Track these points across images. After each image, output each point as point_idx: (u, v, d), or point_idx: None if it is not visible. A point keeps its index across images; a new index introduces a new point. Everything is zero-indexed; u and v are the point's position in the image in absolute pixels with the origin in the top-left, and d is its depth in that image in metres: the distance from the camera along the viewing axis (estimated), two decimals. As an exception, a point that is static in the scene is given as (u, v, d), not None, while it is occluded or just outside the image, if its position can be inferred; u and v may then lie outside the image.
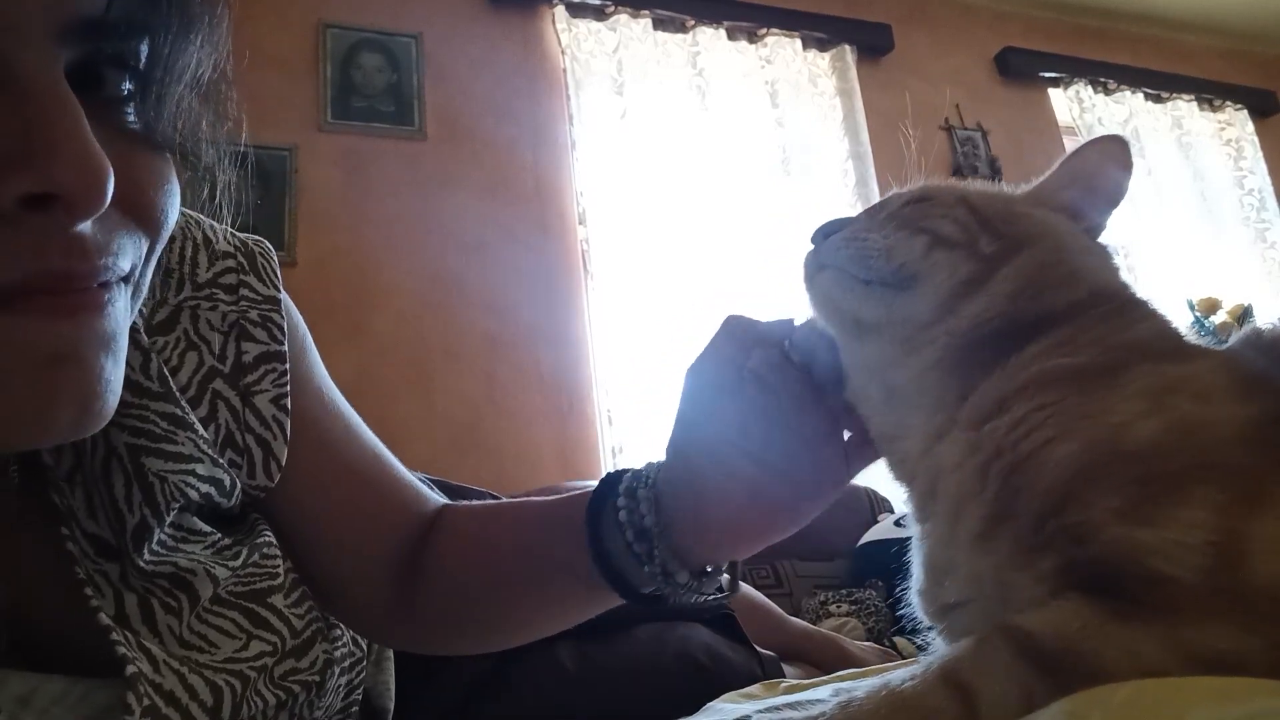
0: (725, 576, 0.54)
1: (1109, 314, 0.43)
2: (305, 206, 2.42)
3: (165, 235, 0.38)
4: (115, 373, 0.36)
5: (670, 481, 0.51)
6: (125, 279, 0.36)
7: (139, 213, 0.36)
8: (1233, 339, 0.44)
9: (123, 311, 0.36)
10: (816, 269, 0.50)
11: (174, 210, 0.38)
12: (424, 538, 0.61)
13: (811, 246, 0.52)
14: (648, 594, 0.52)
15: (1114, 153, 0.49)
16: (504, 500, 0.63)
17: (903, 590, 0.47)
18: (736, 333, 0.51)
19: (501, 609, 0.60)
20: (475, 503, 0.64)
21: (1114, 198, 0.49)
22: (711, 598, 0.54)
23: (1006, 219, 0.47)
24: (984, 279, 0.45)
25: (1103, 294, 0.45)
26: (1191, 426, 0.36)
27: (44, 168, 0.30)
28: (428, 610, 0.60)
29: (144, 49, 0.36)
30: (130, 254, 0.36)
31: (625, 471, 0.54)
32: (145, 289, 0.39)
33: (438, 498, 0.65)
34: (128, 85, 0.36)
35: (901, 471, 0.47)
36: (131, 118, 0.36)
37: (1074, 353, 0.41)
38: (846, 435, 0.51)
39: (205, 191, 0.47)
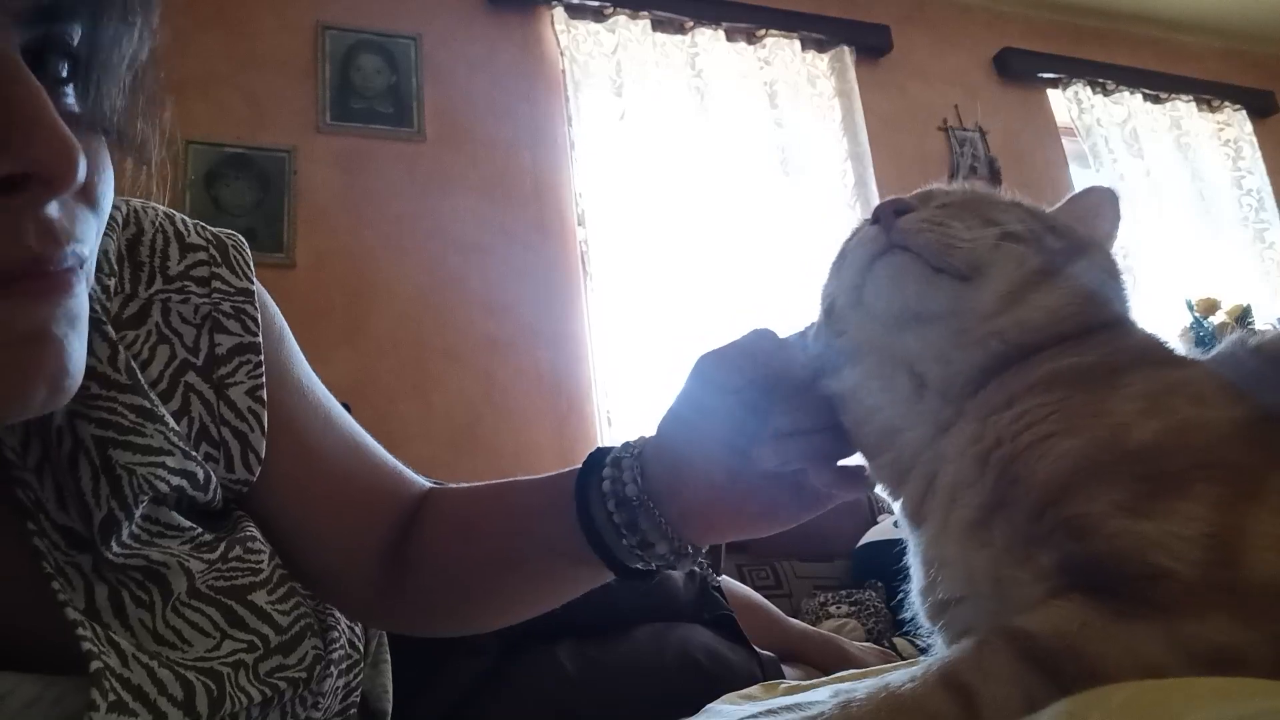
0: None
1: (1126, 330, 0.45)
2: (304, 208, 2.42)
3: (105, 217, 0.40)
4: (80, 349, 0.37)
5: (657, 456, 0.53)
6: (84, 262, 0.38)
7: (88, 196, 0.38)
8: (1220, 346, 0.44)
9: (84, 291, 0.38)
10: (886, 248, 0.46)
11: (111, 192, 0.40)
12: (411, 522, 0.62)
13: (870, 224, 0.48)
14: (632, 568, 0.54)
15: (1110, 203, 0.51)
16: (491, 482, 0.63)
17: (903, 592, 0.47)
18: (758, 345, 0.52)
19: (490, 589, 0.61)
20: (462, 485, 0.65)
21: (1106, 242, 0.51)
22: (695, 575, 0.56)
23: (1064, 225, 0.48)
24: (1056, 270, 0.45)
25: (1124, 318, 0.47)
26: (1189, 427, 0.37)
27: (20, 148, 0.31)
28: (417, 593, 0.61)
29: (80, 32, 0.37)
30: (89, 237, 0.38)
31: (612, 448, 0.55)
32: (93, 269, 0.41)
33: (423, 481, 0.65)
34: (66, 68, 0.37)
35: (894, 470, 0.47)
36: (70, 100, 0.37)
37: (1082, 354, 0.42)
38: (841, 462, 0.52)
39: (143, 174, 0.48)
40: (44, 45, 0.36)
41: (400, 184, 2.53)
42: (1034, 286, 0.44)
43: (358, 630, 0.60)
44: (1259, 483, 0.34)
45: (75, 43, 0.37)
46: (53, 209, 0.34)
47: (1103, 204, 0.51)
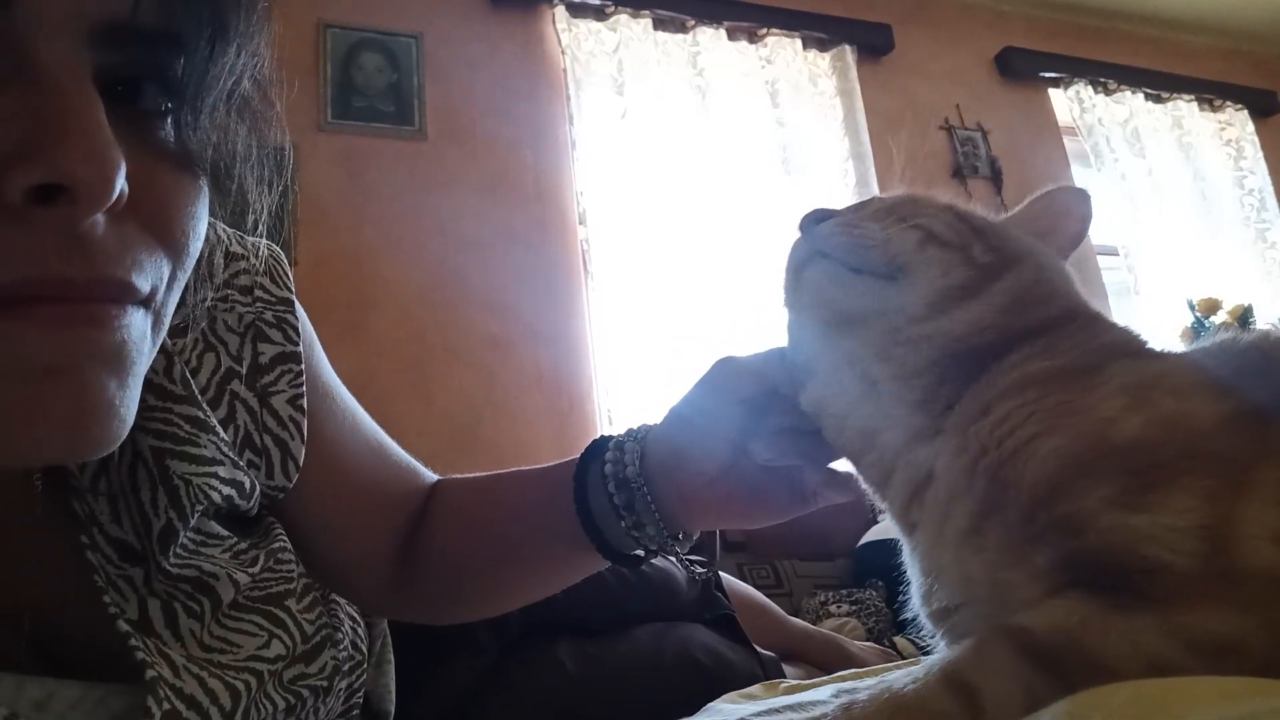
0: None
1: (1082, 325, 0.46)
2: (305, 206, 2.42)
3: (188, 262, 0.37)
4: (123, 398, 0.34)
5: (658, 442, 0.56)
6: (144, 303, 0.34)
7: (160, 230, 0.35)
8: (1205, 341, 0.44)
9: (138, 336, 0.34)
10: (808, 256, 0.49)
11: (197, 235, 0.37)
12: (421, 515, 0.64)
13: (799, 234, 0.51)
14: (625, 554, 0.57)
15: (1079, 203, 0.52)
16: (495, 472, 0.66)
17: (904, 592, 0.47)
18: (772, 363, 0.54)
19: (495, 577, 0.63)
20: (468, 475, 0.67)
21: (1073, 241, 0.52)
22: (693, 569, 0.59)
23: (996, 233, 0.48)
24: (978, 289, 0.46)
25: (1074, 312, 0.47)
26: (1174, 420, 0.37)
27: (51, 156, 0.29)
28: (426, 583, 0.63)
29: (179, 60, 0.35)
30: (150, 274, 0.34)
31: (618, 434, 0.58)
32: (167, 320, 0.38)
33: (430, 474, 0.68)
34: (164, 100, 0.35)
35: (878, 471, 0.48)
36: (166, 134, 0.36)
37: (1053, 357, 0.43)
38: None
39: (249, 221, 0.46)
40: (136, 71, 0.34)
41: (401, 183, 2.53)
42: (957, 300, 0.45)
43: (360, 631, 0.61)
44: (1247, 473, 0.34)
45: (170, 70, 0.35)
46: (93, 229, 0.31)
47: (1070, 205, 0.52)
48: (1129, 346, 0.44)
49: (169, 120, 0.36)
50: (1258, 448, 0.35)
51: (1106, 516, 0.35)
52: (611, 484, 0.55)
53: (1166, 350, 0.45)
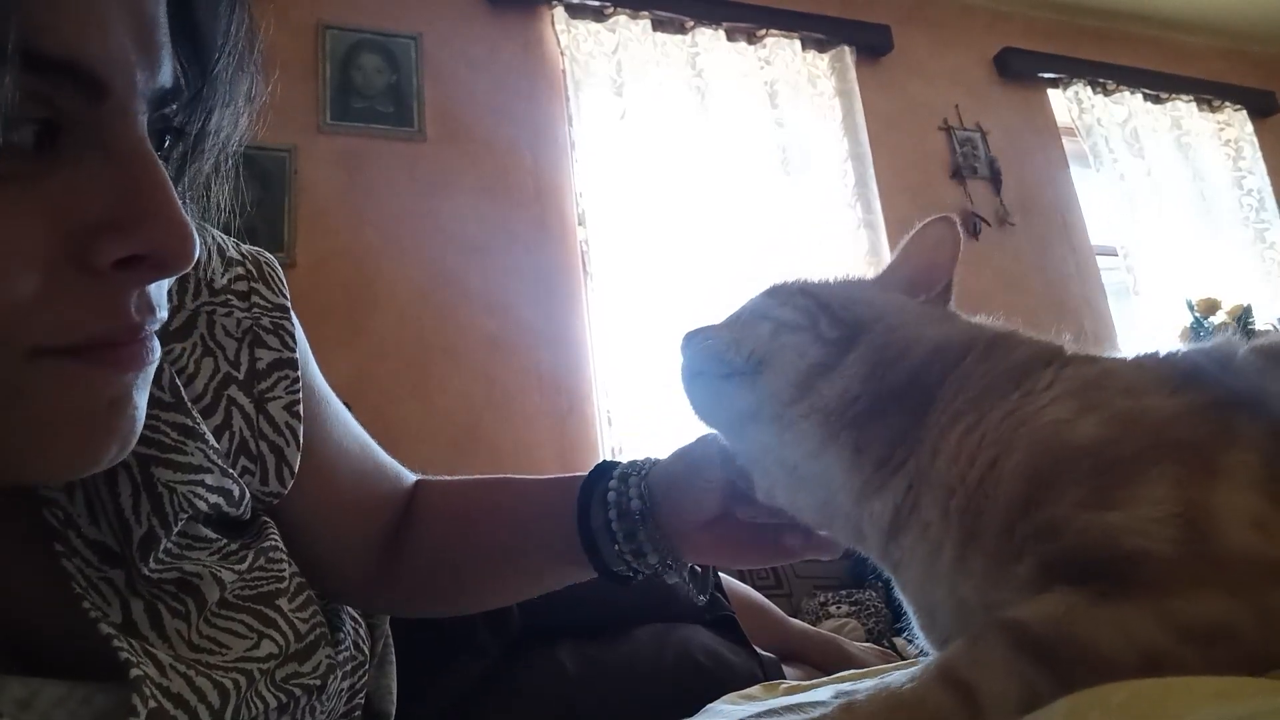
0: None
1: (983, 354, 0.46)
2: (304, 207, 2.42)
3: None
4: (144, 404, 0.39)
5: (662, 479, 0.59)
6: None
7: None
8: (1210, 341, 0.45)
9: (158, 351, 0.39)
10: (691, 377, 0.55)
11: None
12: (404, 513, 0.66)
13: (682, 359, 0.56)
14: (616, 572, 0.60)
15: (944, 233, 0.55)
16: (483, 477, 0.68)
17: (904, 621, 0.48)
18: None
19: (482, 577, 0.66)
20: (453, 478, 0.69)
21: (948, 267, 0.55)
22: (695, 594, 0.63)
23: (844, 304, 0.51)
24: (834, 363, 0.48)
25: (953, 347, 0.47)
26: (1130, 417, 0.38)
27: (143, 232, 0.33)
28: (410, 579, 0.65)
29: (193, 116, 0.40)
30: (167, 302, 0.39)
31: (618, 462, 0.62)
32: None
33: (409, 474, 0.70)
34: (179, 149, 0.41)
35: (849, 533, 0.50)
36: (170, 166, 0.39)
37: (966, 391, 0.44)
38: None
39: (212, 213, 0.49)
40: (164, 126, 0.38)
41: (401, 184, 2.53)
42: (819, 377, 0.48)
43: (362, 632, 0.61)
44: (1215, 460, 0.35)
45: (189, 126, 0.40)
46: (154, 284, 0.36)
47: (941, 234, 0.55)
48: (1047, 355, 0.45)
49: (172, 161, 0.40)
50: (1220, 434, 0.36)
51: (1081, 518, 0.35)
52: (612, 512, 0.58)
53: (1095, 354, 0.45)
